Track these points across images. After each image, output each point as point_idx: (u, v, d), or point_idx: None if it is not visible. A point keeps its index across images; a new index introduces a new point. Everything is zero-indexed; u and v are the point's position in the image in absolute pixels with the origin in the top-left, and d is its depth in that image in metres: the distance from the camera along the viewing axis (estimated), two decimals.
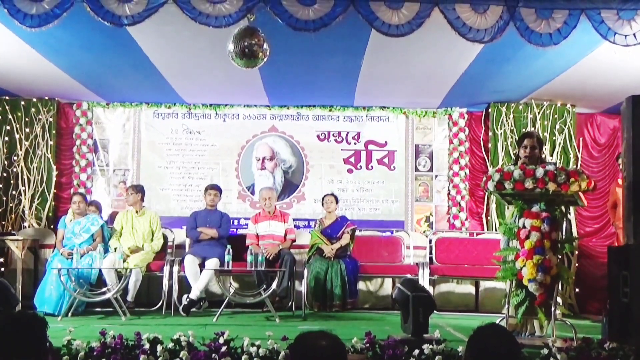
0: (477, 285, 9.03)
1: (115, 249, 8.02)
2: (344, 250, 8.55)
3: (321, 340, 2.64)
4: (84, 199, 8.62)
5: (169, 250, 8.91)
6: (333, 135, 10.18)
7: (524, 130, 9.29)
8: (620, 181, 7.50)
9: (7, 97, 9.68)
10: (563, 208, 5.95)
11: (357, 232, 9.10)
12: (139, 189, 8.72)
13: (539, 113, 9.60)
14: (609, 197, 8.73)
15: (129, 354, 4.77)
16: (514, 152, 6.56)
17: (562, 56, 7.24)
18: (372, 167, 10.15)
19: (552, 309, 5.73)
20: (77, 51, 7.65)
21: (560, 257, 5.86)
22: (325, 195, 8.93)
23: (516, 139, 9.20)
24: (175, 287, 8.16)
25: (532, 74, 8.28)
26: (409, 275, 8.36)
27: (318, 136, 10.18)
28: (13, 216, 9.61)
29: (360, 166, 10.15)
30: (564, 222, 6.04)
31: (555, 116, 9.60)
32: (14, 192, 9.63)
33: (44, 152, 9.72)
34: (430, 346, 4.91)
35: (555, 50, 6.45)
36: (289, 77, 8.69)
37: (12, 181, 9.65)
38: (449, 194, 10.03)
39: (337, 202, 8.87)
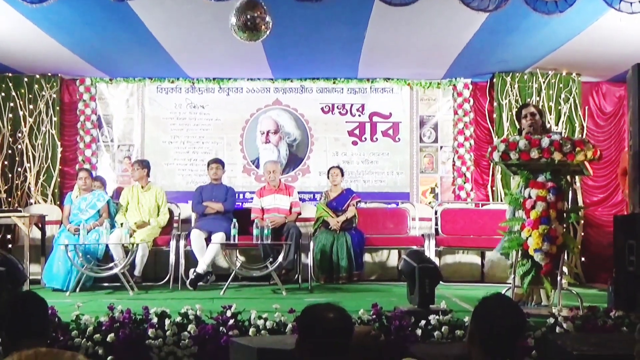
0: (482, 256, 9.04)
1: (122, 224, 8.05)
2: (349, 222, 8.57)
3: (328, 312, 2.65)
4: (90, 175, 8.64)
5: (175, 225, 8.93)
6: (337, 107, 10.14)
7: (529, 100, 9.26)
8: None
9: (10, 74, 9.66)
10: (569, 178, 5.95)
11: (362, 205, 9.14)
12: (145, 164, 8.72)
13: (544, 82, 9.54)
14: (619, 164, 8.63)
15: (137, 328, 4.80)
16: (518, 124, 6.52)
17: (567, 24, 7.17)
18: (376, 139, 10.12)
19: (558, 278, 5.75)
20: (79, 27, 7.62)
21: (566, 226, 5.87)
22: (330, 168, 8.94)
23: None
24: (182, 261, 8.19)
25: (537, 43, 8.21)
26: (414, 247, 8.39)
27: (322, 109, 10.14)
28: (19, 193, 9.63)
29: (365, 138, 10.13)
30: (570, 192, 6.04)
31: (561, 85, 9.54)
32: (19, 169, 9.65)
33: (48, 128, 9.72)
34: (437, 317, 4.94)
35: (560, 19, 6.40)
36: (292, 50, 8.65)
37: (17, 158, 9.66)
38: (454, 165, 10.01)
39: (342, 174, 8.89)
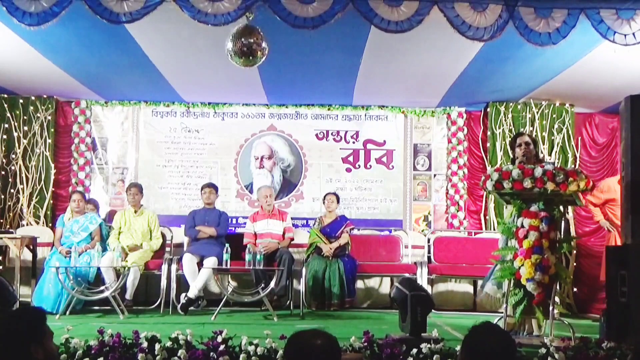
0: (475, 285, 9.02)
1: (114, 248, 8.02)
2: (342, 249, 8.55)
3: (315, 338, 2.63)
4: (83, 198, 8.63)
5: (167, 249, 8.89)
6: (332, 134, 10.17)
7: (522, 130, 9.29)
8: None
9: (5, 95, 9.68)
10: (561, 207, 5.96)
11: (355, 232, 9.13)
12: (142, 189, 8.73)
13: (537, 113, 9.59)
14: (599, 193, 8.45)
15: (127, 352, 4.76)
16: (511, 152, 6.56)
17: (561, 55, 7.24)
18: (370, 166, 10.15)
19: (550, 308, 5.74)
20: (76, 49, 7.64)
21: (558, 256, 5.86)
22: (327, 194, 8.93)
23: None
24: (174, 285, 8.16)
25: (531, 74, 8.27)
26: (407, 275, 8.36)
27: (317, 135, 10.17)
28: (11, 214, 9.60)
29: (359, 165, 10.15)
30: (562, 222, 6.04)
31: (554, 116, 9.61)
32: (12, 191, 9.63)
33: (43, 150, 9.72)
34: (428, 345, 4.91)
35: (554, 50, 6.46)
36: (288, 76, 8.69)
37: (10, 179, 9.64)
38: (447, 193, 10.03)
39: (338, 201, 8.88)
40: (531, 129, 9.50)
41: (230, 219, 9.14)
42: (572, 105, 9.64)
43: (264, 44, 6.11)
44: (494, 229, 9.31)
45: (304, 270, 8.36)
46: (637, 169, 5.81)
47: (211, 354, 4.72)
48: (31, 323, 2.93)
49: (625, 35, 6.15)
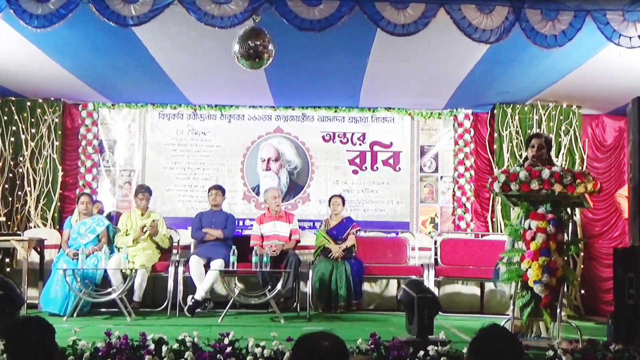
0: (482, 287, 9.00)
1: (119, 249, 8.04)
2: (349, 251, 8.55)
3: (323, 340, 2.63)
4: (91, 200, 8.65)
5: (174, 251, 8.91)
6: (338, 136, 10.17)
7: (529, 131, 9.27)
8: None
9: (13, 98, 9.70)
10: (569, 210, 5.94)
11: (362, 234, 9.13)
12: (150, 191, 8.72)
13: (544, 114, 9.57)
14: None
15: (134, 354, 4.78)
16: (519, 153, 6.54)
17: (567, 57, 7.22)
18: (377, 168, 10.14)
19: (558, 310, 5.72)
20: (83, 52, 7.66)
21: (565, 258, 5.85)
22: (332, 196, 8.94)
23: (522, 140, 9.23)
24: (181, 287, 8.16)
25: (538, 75, 8.26)
26: (414, 277, 8.35)
27: (323, 137, 10.18)
28: (19, 216, 9.62)
29: (366, 167, 10.15)
30: (570, 224, 6.02)
31: (561, 117, 9.58)
32: (19, 193, 9.65)
33: (50, 152, 9.74)
34: (435, 347, 4.91)
35: (561, 52, 6.43)
36: (294, 78, 8.70)
37: (17, 182, 9.67)
38: (454, 195, 10.01)
39: (344, 203, 8.88)
40: (538, 130, 9.46)
41: (237, 221, 9.14)
42: (579, 106, 9.61)
43: (270, 46, 6.11)
44: (501, 231, 9.29)
45: (310, 272, 8.35)
46: None
47: (218, 356, 4.73)
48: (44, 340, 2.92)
49: (630, 37, 6.12)
